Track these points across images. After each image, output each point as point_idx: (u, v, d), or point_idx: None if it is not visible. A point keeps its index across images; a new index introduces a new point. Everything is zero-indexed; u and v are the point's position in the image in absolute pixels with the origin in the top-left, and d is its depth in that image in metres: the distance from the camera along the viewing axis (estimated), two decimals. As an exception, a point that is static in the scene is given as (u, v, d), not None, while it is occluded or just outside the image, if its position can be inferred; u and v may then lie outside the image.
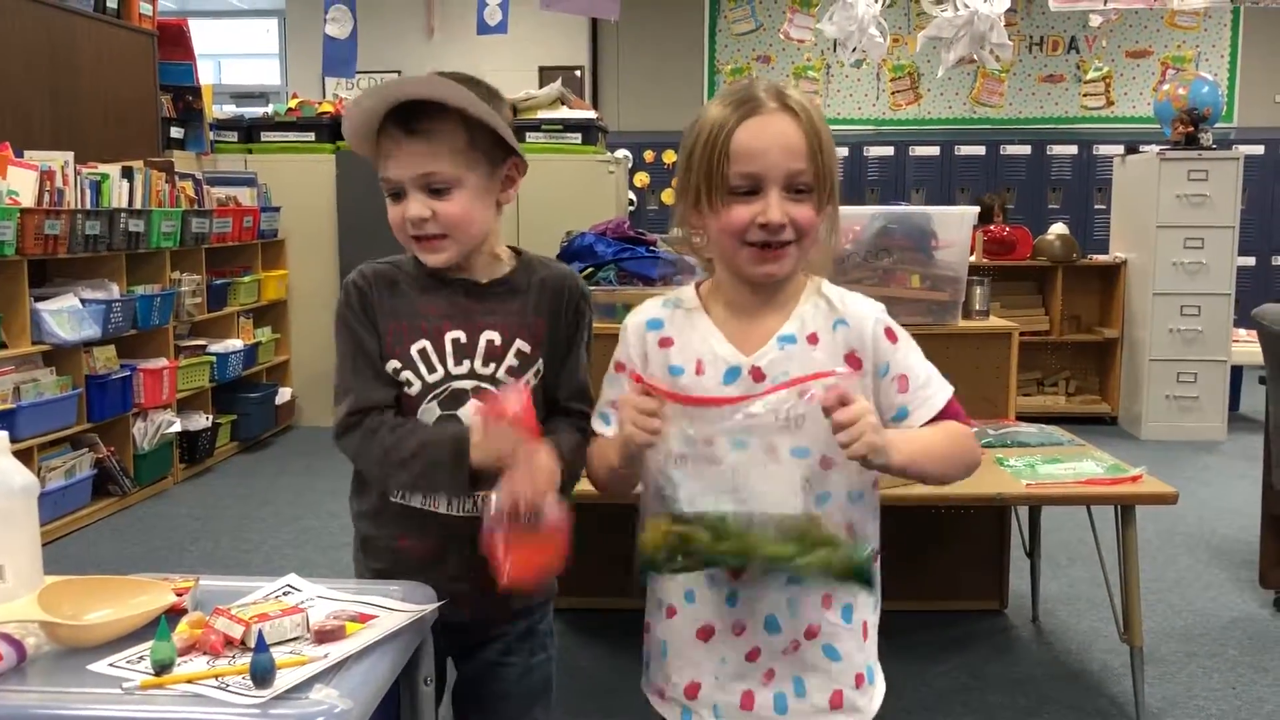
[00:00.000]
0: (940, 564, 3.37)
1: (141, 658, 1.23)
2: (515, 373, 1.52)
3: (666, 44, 9.68)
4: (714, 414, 1.32)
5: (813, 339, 1.38)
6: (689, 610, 1.42)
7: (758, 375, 1.36)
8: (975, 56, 5.69)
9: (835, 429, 1.24)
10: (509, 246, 1.62)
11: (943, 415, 1.39)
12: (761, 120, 1.31)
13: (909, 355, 1.40)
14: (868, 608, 1.44)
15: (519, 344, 1.53)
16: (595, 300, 3.27)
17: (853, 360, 1.37)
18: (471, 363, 1.51)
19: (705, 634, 1.41)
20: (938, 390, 1.40)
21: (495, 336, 1.52)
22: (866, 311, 1.40)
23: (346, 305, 1.54)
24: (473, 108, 1.45)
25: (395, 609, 1.37)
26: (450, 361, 1.51)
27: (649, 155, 9.23)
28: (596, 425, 1.50)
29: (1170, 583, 3.75)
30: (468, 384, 1.51)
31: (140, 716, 1.13)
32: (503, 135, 1.49)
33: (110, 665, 1.21)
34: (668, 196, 9.18)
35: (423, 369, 1.50)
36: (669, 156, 9.25)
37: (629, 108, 9.70)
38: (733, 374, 1.37)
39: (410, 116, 1.46)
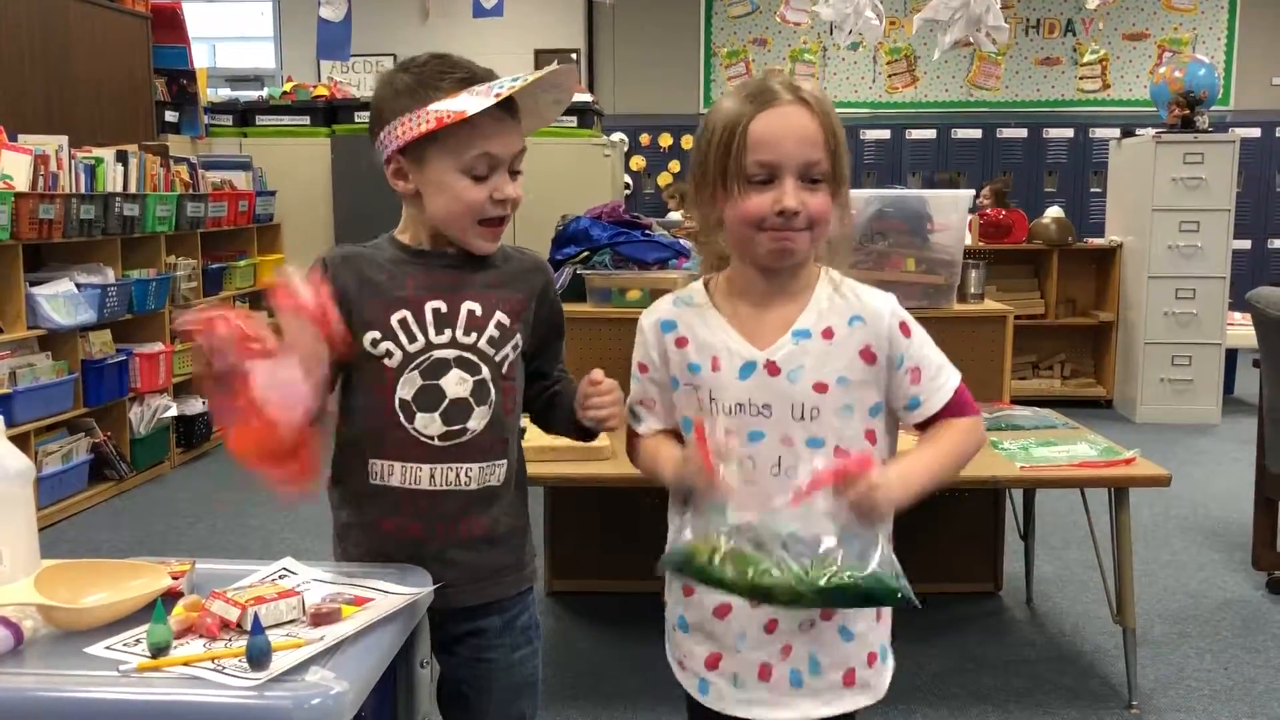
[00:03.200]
0: (934, 547, 3.38)
1: (138, 640, 1.23)
2: (496, 343, 1.52)
3: (662, 27, 9.65)
4: (725, 380, 1.41)
5: (828, 334, 1.41)
6: (706, 588, 1.43)
7: (773, 369, 1.40)
8: (971, 39, 5.68)
9: (851, 508, 1.28)
10: None
11: (952, 403, 1.44)
12: (778, 111, 1.34)
13: (923, 347, 1.44)
14: None
15: (499, 315, 1.53)
16: (591, 284, 3.31)
17: (867, 355, 1.42)
18: (453, 331, 1.51)
19: (723, 611, 1.45)
20: (948, 378, 1.45)
21: (476, 307, 1.52)
22: (882, 306, 1.43)
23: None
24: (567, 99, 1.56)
25: (392, 592, 1.37)
26: (431, 331, 1.50)
27: (645, 139, 9.21)
28: (630, 423, 1.54)
29: (1163, 565, 3.77)
30: (449, 353, 1.50)
31: (137, 699, 1.14)
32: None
33: (107, 648, 1.22)
34: (664, 180, 9.16)
35: (403, 338, 1.50)
36: (665, 140, 9.24)
37: (625, 91, 9.67)
38: (748, 369, 1.41)
39: (509, 99, 1.46)
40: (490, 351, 1.52)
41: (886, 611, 1.49)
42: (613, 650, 3.05)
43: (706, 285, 1.49)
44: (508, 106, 1.47)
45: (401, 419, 1.49)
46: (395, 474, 1.51)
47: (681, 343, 1.46)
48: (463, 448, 1.51)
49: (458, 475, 1.51)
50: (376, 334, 1.49)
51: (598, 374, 1.52)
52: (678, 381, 1.47)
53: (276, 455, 1.36)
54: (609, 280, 3.34)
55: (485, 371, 1.51)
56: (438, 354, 1.50)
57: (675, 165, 9.22)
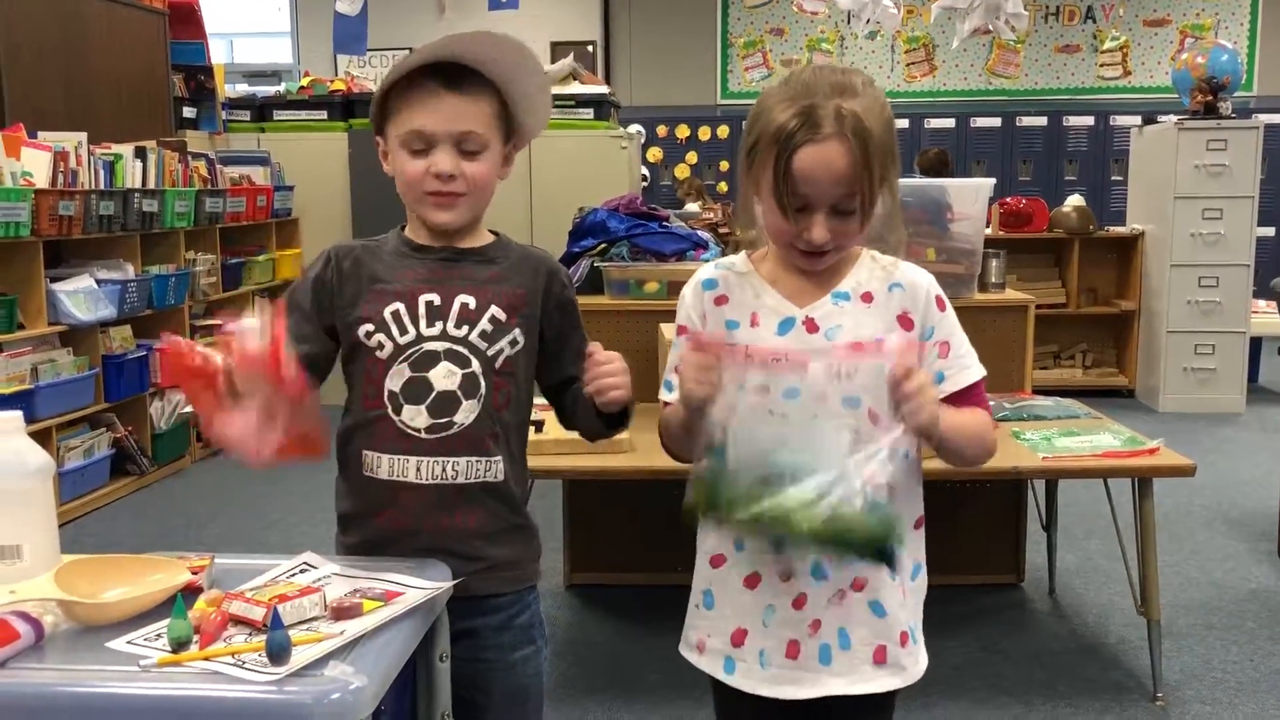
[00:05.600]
0: (956, 538, 3.36)
1: (158, 635, 1.23)
2: (489, 337, 1.51)
3: (678, 18, 9.62)
4: (764, 336, 1.41)
5: (867, 297, 1.44)
6: (737, 558, 1.45)
7: (811, 326, 1.42)
8: (990, 27, 5.64)
9: (900, 398, 1.29)
10: (490, 230, 1.63)
11: (974, 391, 1.45)
12: (819, 149, 1.34)
13: (954, 326, 1.47)
14: (914, 570, 1.48)
15: (494, 310, 1.52)
16: (608, 276, 3.31)
17: (904, 321, 1.44)
18: (444, 324, 1.50)
19: (752, 582, 1.45)
20: (973, 366, 1.47)
21: (470, 300, 1.51)
22: (921, 278, 1.47)
23: (305, 273, 1.58)
24: (513, 85, 1.50)
25: (411, 586, 1.37)
26: (423, 323, 1.50)
27: (662, 130, 9.19)
28: (662, 394, 1.53)
29: (1187, 555, 3.74)
30: (439, 345, 1.50)
31: (158, 693, 1.13)
32: (534, 113, 1.55)
33: (128, 643, 1.22)
34: (681, 171, 9.14)
35: (394, 330, 1.50)
36: (682, 131, 9.21)
37: (641, 82, 9.65)
38: (787, 324, 1.43)
39: (454, 73, 1.47)
40: (482, 345, 1.51)
41: (917, 594, 1.49)
42: (632, 643, 3.05)
43: (749, 257, 1.51)
44: (454, 84, 1.47)
45: (390, 411, 1.50)
46: (384, 466, 1.51)
47: (721, 300, 1.48)
48: (450, 441, 1.50)
49: (444, 469, 1.51)
50: (370, 326, 1.50)
51: (594, 347, 1.51)
52: None
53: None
54: (626, 272, 3.33)
55: (475, 365, 1.50)
56: (427, 346, 1.50)
57: (693, 157, 9.20)
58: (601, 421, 1.57)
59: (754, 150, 1.39)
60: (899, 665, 1.46)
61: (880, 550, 1.31)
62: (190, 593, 1.33)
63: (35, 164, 4.09)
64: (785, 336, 1.42)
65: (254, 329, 1.33)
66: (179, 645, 1.20)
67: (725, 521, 1.38)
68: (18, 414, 1.39)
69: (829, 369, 1.35)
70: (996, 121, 8.94)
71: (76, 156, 4.31)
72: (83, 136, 4.39)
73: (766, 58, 9.65)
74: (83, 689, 1.14)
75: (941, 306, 1.46)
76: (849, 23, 6.36)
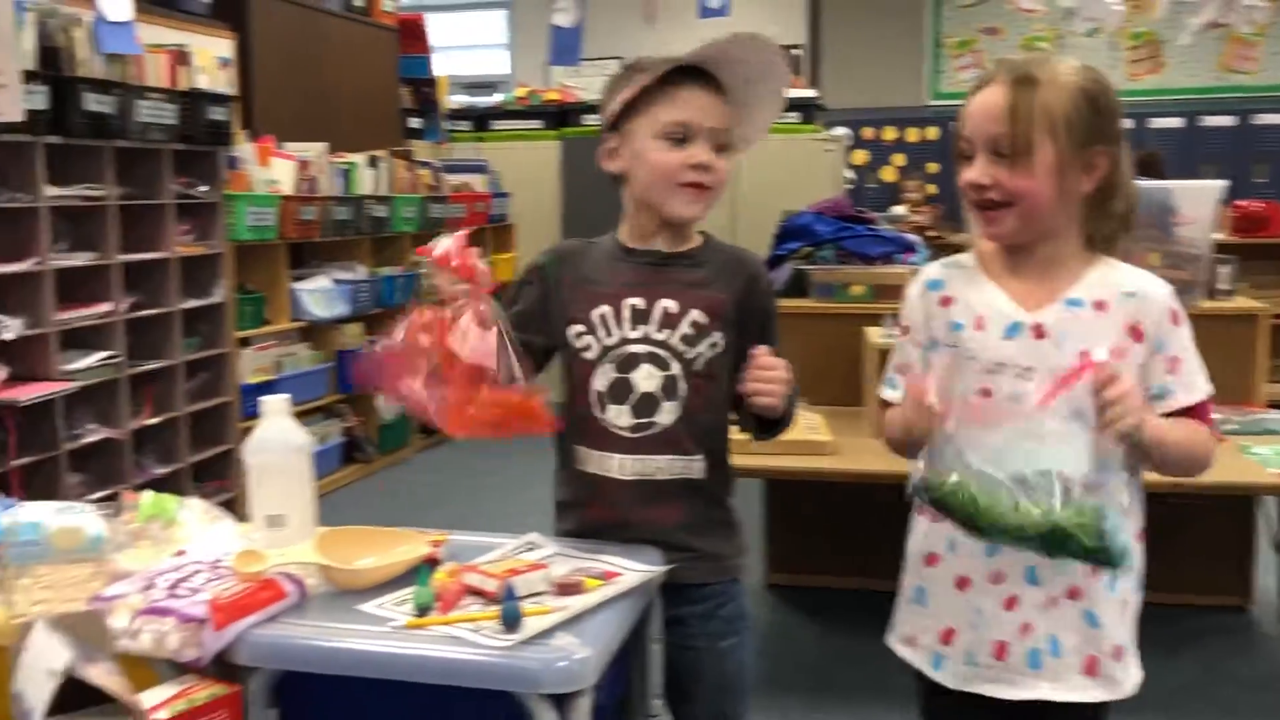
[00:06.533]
0: (1180, 555, 3.20)
1: (403, 601, 1.35)
2: (690, 341, 1.56)
3: (886, 19, 9.48)
4: (988, 340, 1.42)
5: (1100, 305, 1.42)
6: (950, 559, 1.47)
7: (1039, 332, 1.41)
8: (1225, 20, 5.32)
9: (1102, 405, 1.29)
10: (699, 231, 1.67)
11: (1199, 408, 1.42)
12: (980, 95, 1.40)
13: (1186, 341, 1.43)
14: (1130, 584, 1.46)
15: (695, 314, 1.57)
16: (814, 279, 3.32)
17: (1134, 332, 1.41)
18: (646, 328, 1.57)
19: (963, 583, 1.46)
20: (1201, 385, 1.43)
21: (672, 304, 1.57)
22: (1157, 289, 1.44)
23: (527, 267, 1.67)
24: (750, 89, 1.58)
25: (629, 568, 1.45)
26: (627, 326, 1.57)
27: (868, 132, 9.07)
28: (884, 391, 1.56)
29: None
30: (641, 348, 1.56)
31: (406, 652, 1.25)
32: (759, 122, 1.63)
33: (378, 606, 1.35)
34: (887, 174, 9.01)
35: (601, 332, 1.58)
36: (889, 133, 9.07)
37: (847, 84, 9.55)
38: (1014, 329, 1.42)
39: (703, 75, 1.55)
40: (682, 349, 1.56)
41: (1133, 611, 1.46)
42: (831, 644, 3.06)
43: (978, 253, 1.52)
44: (711, 85, 1.54)
45: (596, 409, 1.58)
46: (591, 461, 1.60)
47: (946, 301, 1.49)
48: (651, 440, 1.56)
49: (645, 466, 1.57)
50: (580, 327, 1.59)
51: (761, 351, 1.50)
52: (937, 343, 1.49)
53: (501, 415, 1.42)
54: (831, 275, 3.34)
55: (675, 368, 1.56)
56: (630, 348, 1.57)
57: (900, 159, 9.05)
58: (753, 424, 1.60)
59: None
60: (1111, 678, 1.44)
61: (1097, 552, 1.30)
62: (429, 564, 1.45)
63: (282, 172, 4.45)
64: (1010, 341, 1.42)
65: (445, 239, 1.44)
66: (422, 610, 1.32)
67: (944, 518, 1.39)
68: (286, 397, 1.55)
69: (1054, 377, 1.35)
70: (1230, 120, 8.39)
71: (317, 165, 4.66)
72: (323, 147, 4.75)
73: (980, 59, 9.39)
74: (341, 644, 1.28)
75: (1176, 321, 1.43)
76: (1068, 20, 6.12)
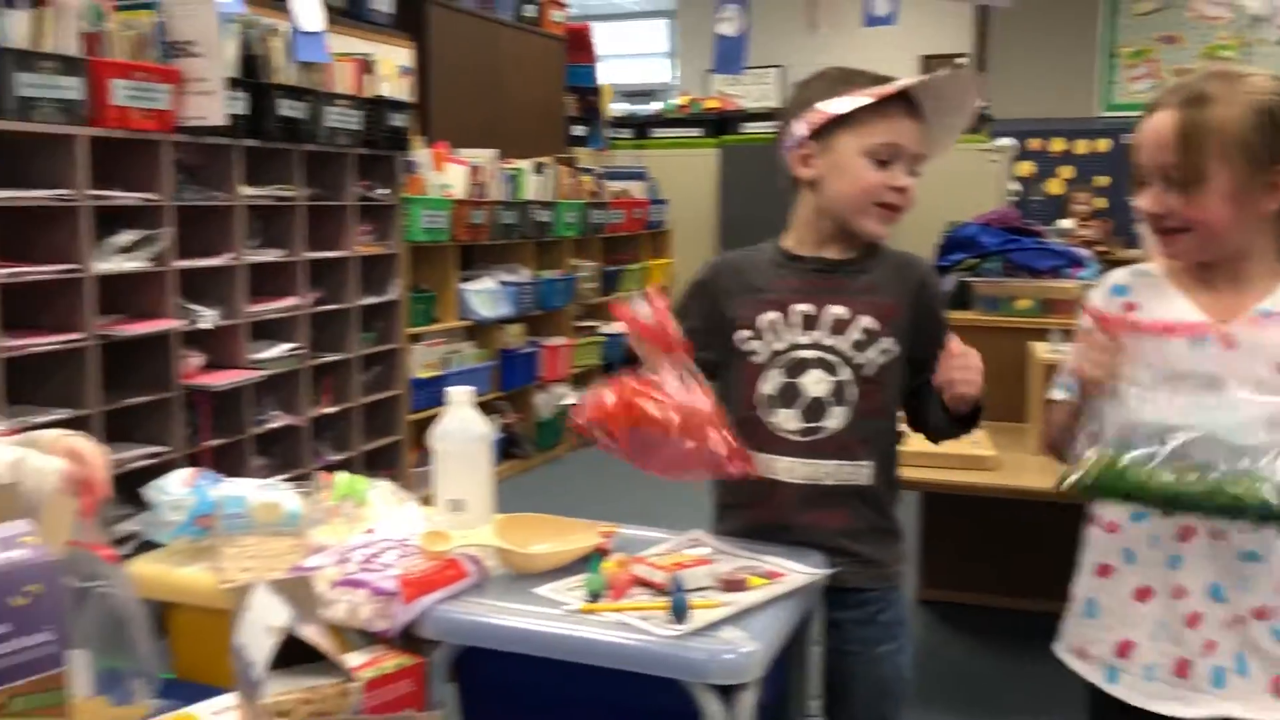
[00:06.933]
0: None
1: (574, 587, 1.42)
2: (860, 346, 1.58)
3: (1057, 28, 9.20)
4: (1174, 348, 1.37)
5: None
6: (1127, 570, 1.44)
7: (1229, 342, 1.37)
8: None
9: None
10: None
11: None
12: (1149, 120, 1.39)
13: None
14: None
15: (865, 319, 1.58)
16: (978, 292, 3.28)
17: None
18: (816, 333, 1.59)
19: (1143, 595, 1.43)
20: None
21: (842, 311, 1.59)
22: None
23: (691, 282, 1.71)
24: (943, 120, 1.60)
25: (792, 569, 1.48)
26: (796, 331, 1.60)
27: (1034, 143, 8.82)
28: (1053, 392, 1.55)
29: None
30: (811, 353, 1.59)
31: (580, 635, 1.32)
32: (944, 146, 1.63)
33: (552, 590, 1.41)
34: (1053, 186, 8.74)
35: (769, 337, 1.60)
36: (1057, 144, 8.80)
37: (1014, 94, 9.31)
38: (1201, 339, 1.39)
39: (908, 101, 1.58)
40: (852, 354, 1.58)
41: None
42: (985, 662, 3.01)
43: (1163, 264, 1.50)
44: (915, 111, 1.56)
45: (763, 413, 1.60)
46: (757, 464, 1.60)
47: (1130, 307, 1.46)
48: (820, 444, 1.58)
49: (814, 470, 1.59)
50: (747, 332, 1.62)
51: (953, 340, 1.52)
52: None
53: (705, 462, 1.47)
54: (997, 288, 3.28)
55: (846, 373, 1.58)
56: (800, 353, 1.59)
57: (1068, 171, 8.77)
58: (947, 418, 1.60)
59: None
60: None
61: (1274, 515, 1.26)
62: (599, 554, 1.51)
63: (456, 177, 4.64)
64: (1197, 350, 1.38)
65: (643, 305, 1.48)
66: (594, 597, 1.38)
67: (1110, 495, 1.36)
68: (471, 389, 1.64)
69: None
70: None
71: (488, 171, 4.84)
72: (493, 153, 4.92)
73: (1156, 69, 9.02)
74: (519, 624, 1.35)
75: None
76: (1255, 28, 5.84)
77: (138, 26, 3.10)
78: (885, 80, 1.57)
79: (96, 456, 1.34)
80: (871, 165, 1.56)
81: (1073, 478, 1.36)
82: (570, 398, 5.47)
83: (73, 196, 2.88)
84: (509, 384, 5.02)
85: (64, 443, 1.34)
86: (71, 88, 2.85)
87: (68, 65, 2.84)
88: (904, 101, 1.56)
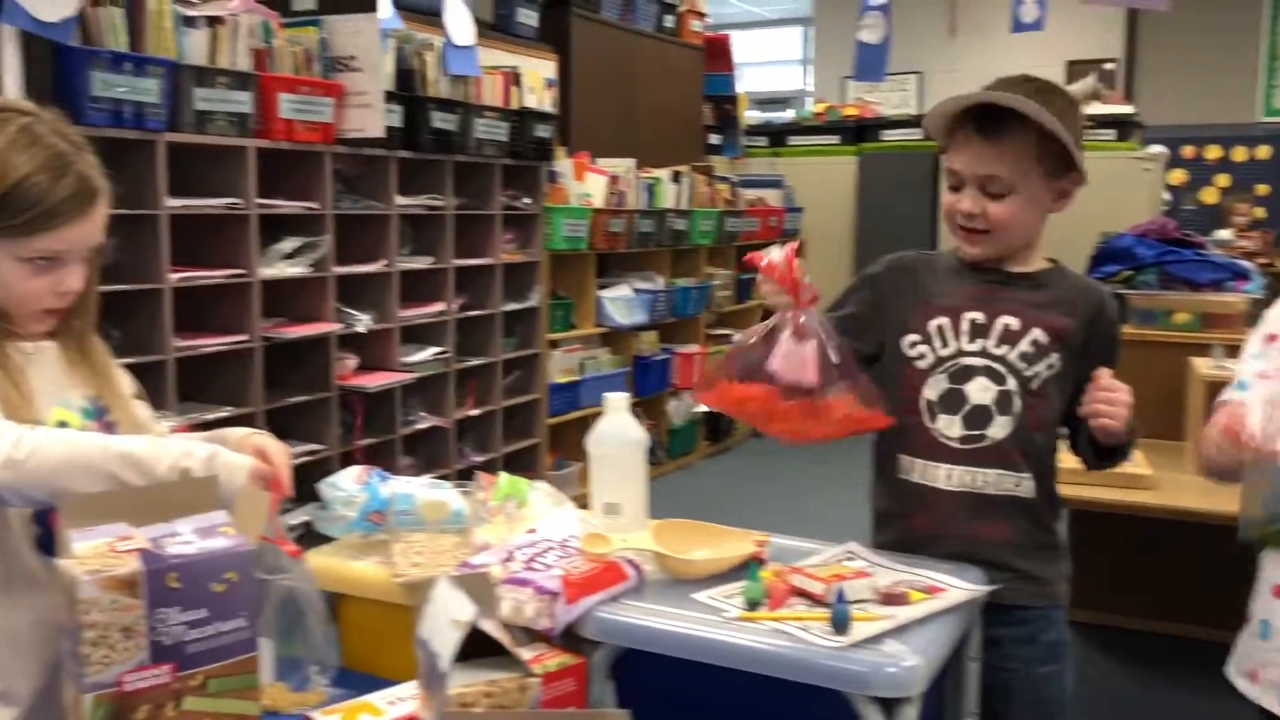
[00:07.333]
0: None
1: (732, 595, 1.43)
2: (1029, 359, 1.55)
3: (1215, 31, 8.82)
4: None
5: None
6: None
7: None
8: None
9: None
10: (1047, 258, 1.66)
11: None
12: None
13: None
14: None
15: (1036, 333, 1.56)
16: (1133, 305, 3.18)
17: None
18: (985, 341, 1.58)
19: None
20: None
21: (1013, 322, 1.57)
22: None
23: (863, 273, 1.71)
24: (1049, 124, 1.51)
25: (953, 584, 1.46)
26: (965, 339, 1.58)
27: (1188, 150, 8.49)
28: (1227, 392, 1.51)
29: None
30: (978, 361, 1.57)
31: (740, 642, 1.32)
32: (1071, 153, 1.55)
33: (710, 597, 1.43)
34: (1208, 195, 8.39)
35: (936, 343, 1.59)
36: (1212, 152, 8.45)
37: (1167, 100, 8.96)
38: None
39: (989, 120, 1.54)
40: (1020, 366, 1.56)
41: None
42: (1142, 690, 2.91)
43: None
44: (984, 129, 1.55)
45: (925, 418, 1.59)
46: (916, 470, 1.61)
47: (1272, 339, 1.44)
48: (981, 452, 1.56)
49: (974, 478, 1.57)
50: (915, 336, 1.61)
51: (1102, 373, 1.48)
52: None
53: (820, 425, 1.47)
54: (1154, 301, 3.18)
55: (1011, 383, 1.56)
56: (966, 361, 1.58)
57: (1224, 179, 8.41)
58: (1092, 450, 1.57)
59: None
60: None
61: None
62: (756, 563, 1.52)
63: (595, 186, 4.71)
64: None
65: (776, 251, 1.49)
66: (753, 605, 1.39)
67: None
68: (626, 395, 1.67)
69: None
70: None
71: (626, 180, 4.89)
72: (631, 162, 4.98)
73: (1323, 70, 8.57)
74: (680, 629, 1.36)
75: None
76: None
77: (303, 42, 3.25)
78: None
79: (281, 455, 1.41)
80: (948, 190, 1.60)
81: (1246, 534, 1.33)
82: (703, 405, 5.49)
83: (242, 205, 3.04)
84: (642, 391, 5.06)
85: (253, 440, 1.41)
86: (243, 102, 3.00)
87: (240, 80, 3.00)
88: (973, 124, 1.54)
